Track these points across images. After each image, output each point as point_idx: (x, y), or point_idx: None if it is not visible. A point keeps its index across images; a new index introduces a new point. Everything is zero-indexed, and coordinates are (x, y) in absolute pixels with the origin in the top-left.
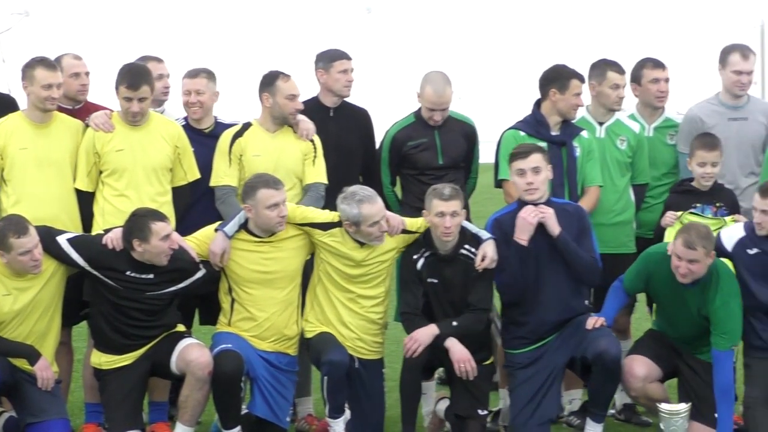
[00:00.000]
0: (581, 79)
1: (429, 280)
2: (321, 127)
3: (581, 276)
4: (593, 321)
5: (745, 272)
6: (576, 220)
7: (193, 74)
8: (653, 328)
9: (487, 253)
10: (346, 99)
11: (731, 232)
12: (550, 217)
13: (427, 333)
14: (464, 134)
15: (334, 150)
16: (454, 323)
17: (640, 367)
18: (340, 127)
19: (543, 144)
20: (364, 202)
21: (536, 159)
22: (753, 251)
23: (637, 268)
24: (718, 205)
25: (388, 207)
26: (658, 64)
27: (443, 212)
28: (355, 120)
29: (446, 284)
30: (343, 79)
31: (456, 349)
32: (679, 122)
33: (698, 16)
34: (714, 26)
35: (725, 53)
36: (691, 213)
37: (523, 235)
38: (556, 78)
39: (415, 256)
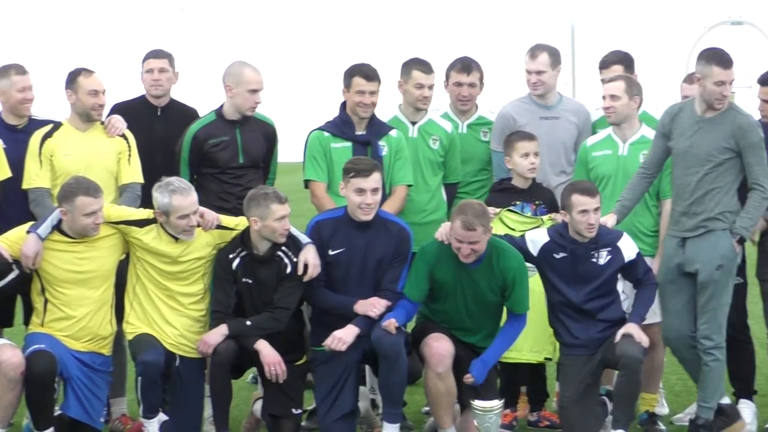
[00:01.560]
0: (423, 70)
1: (244, 279)
2: (148, 127)
3: None
4: (386, 323)
5: (554, 276)
6: (396, 243)
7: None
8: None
9: (309, 260)
10: (174, 98)
11: (535, 237)
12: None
13: (217, 333)
14: (265, 134)
15: (162, 149)
16: (248, 323)
17: (447, 344)
18: (167, 127)
19: (348, 144)
20: (177, 192)
21: (377, 179)
22: (560, 255)
23: (416, 269)
24: (537, 203)
25: None
26: (463, 68)
27: (284, 215)
28: (183, 119)
29: (260, 285)
30: (149, 78)
31: (266, 351)
32: (492, 120)
33: (510, 17)
34: (526, 27)
35: (526, 55)
36: (510, 211)
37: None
38: (344, 77)
39: (231, 256)
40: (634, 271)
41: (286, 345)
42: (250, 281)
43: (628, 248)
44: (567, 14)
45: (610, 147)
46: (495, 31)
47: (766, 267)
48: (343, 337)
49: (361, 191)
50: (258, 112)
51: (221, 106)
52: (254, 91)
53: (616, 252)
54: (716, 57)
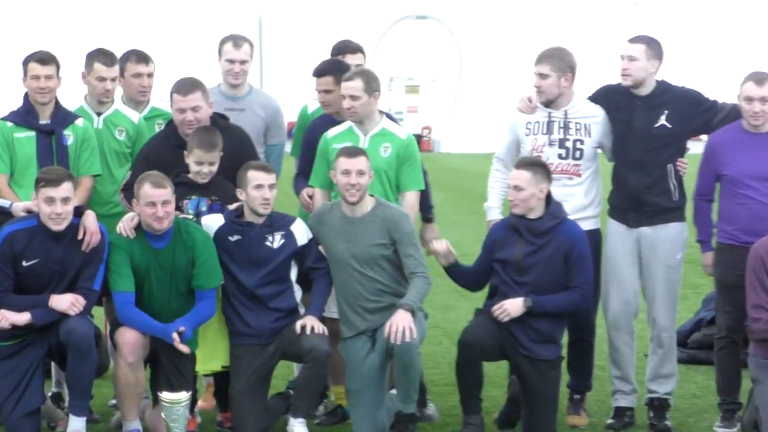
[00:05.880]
0: (105, 62)
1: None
2: None
3: None
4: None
5: (228, 260)
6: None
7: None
8: None
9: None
10: None
11: (210, 221)
12: None
13: None
14: None
15: None
16: None
17: (140, 334)
18: None
19: (32, 133)
20: None
21: (67, 188)
22: (234, 238)
23: (116, 261)
24: (213, 198)
25: None
26: (141, 59)
27: None
28: None
29: None
30: None
31: None
32: (166, 111)
33: (200, 9)
34: (214, 19)
35: (221, 44)
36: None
37: None
38: (22, 66)
39: None
40: (306, 257)
41: None
42: None
43: (301, 233)
44: (255, 7)
45: (351, 139)
46: (183, 23)
47: None
48: (11, 317)
49: (50, 201)
50: None
51: None
52: None
53: (289, 236)
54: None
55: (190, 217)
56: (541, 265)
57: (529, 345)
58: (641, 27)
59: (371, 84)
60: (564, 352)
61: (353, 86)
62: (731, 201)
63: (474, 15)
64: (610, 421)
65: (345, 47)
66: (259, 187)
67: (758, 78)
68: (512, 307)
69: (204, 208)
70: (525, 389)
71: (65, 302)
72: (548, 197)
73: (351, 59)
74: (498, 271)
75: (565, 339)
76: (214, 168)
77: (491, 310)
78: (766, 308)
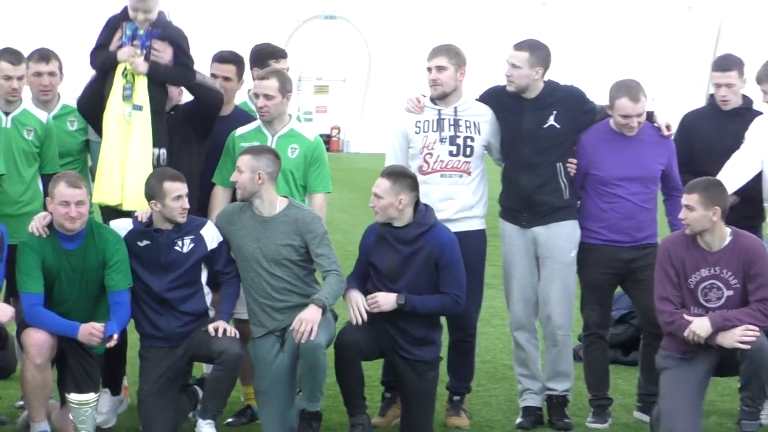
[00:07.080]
0: (11, 61)
1: None
2: None
3: None
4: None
5: (137, 265)
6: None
7: None
8: None
9: None
10: None
11: (119, 225)
12: None
13: None
14: None
15: None
16: None
17: (47, 335)
18: None
19: None
20: None
21: None
22: (144, 243)
23: (26, 261)
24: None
25: None
26: (42, 58)
27: None
28: None
29: None
30: None
31: None
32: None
33: (104, 6)
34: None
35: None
36: None
37: None
38: None
39: None
40: (216, 261)
41: None
42: None
43: (211, 236)
44: (161, 4)
45: (259, 139)
46: (87, 21)
47: None
48: None
49: None
50: None
51: None
52: None
53: (199, 240)
54: None
55: (128, 34)
56: (411, 274)
57: (406, 347)
58: (549, 28)
59: (285, 85)
60: (444, 352)
61: (269, 85)
62: (599, 200)
63: (382, 15)
64: (519, 420)
65: (277, 52)
66: (178, 198)
67: (633, 96)
68: (384, 300)
69: (142, 32)
70: (402, 389)
71: (6, 316)
72: (417, 203)
73: (284, 64)
74: (372, 277)
75: (446, 340)
76: None
77: (365, 300)
78: (671, 300)
